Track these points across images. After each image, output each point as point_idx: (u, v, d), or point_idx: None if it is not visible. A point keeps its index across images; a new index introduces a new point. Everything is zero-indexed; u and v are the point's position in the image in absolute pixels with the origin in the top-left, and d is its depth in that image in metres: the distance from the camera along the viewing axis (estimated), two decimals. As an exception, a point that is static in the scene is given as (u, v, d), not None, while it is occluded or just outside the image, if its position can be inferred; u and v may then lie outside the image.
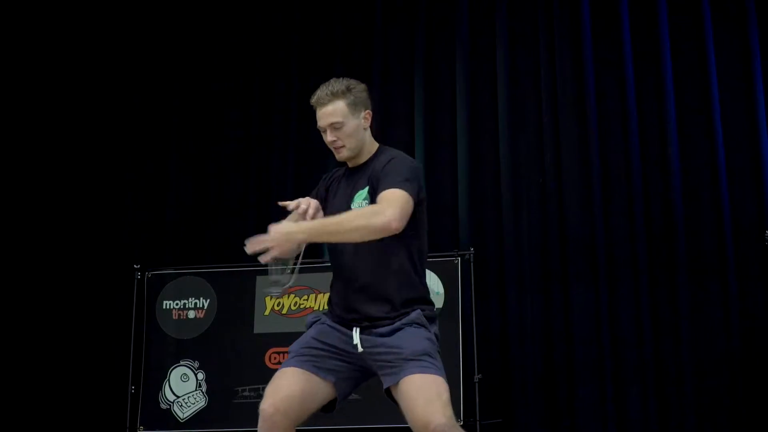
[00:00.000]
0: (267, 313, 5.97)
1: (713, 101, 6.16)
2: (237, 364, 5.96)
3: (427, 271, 5.73)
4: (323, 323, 3.12)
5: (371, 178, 3.09)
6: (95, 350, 6.54)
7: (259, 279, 6.04)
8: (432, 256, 5.88)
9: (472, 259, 5.92)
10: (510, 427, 6.02)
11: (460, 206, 6.41)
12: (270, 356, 5.88)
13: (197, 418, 5.96)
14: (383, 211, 2.89)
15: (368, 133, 3.19)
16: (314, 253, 6.46)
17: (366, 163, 3.17)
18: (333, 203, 3.18)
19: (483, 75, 6.59)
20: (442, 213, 6.39)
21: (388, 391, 2.99)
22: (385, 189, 2.95)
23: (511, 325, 6.21)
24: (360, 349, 3.00)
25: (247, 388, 5.88)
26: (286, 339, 5.42)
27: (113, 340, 6.44)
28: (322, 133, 3.16)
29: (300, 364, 3.01)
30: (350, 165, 3.23)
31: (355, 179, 3.17)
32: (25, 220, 6.75)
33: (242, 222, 6.66)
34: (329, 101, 3.12)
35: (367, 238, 2.93)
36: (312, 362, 3.02)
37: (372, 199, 3.04)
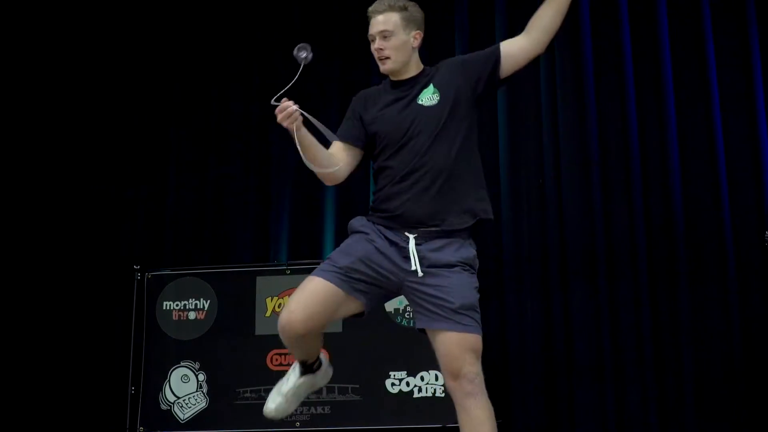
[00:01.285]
0: (268, 314, 5.95)
1: (713, 104, 6.15)
2: (238, 365, 5.95)
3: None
4: (371, 242, 3.10)
5: (432, 79, 3.18)
6: (95, 351, 6.53)
7: (260, 279, 6.03)
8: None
9: (471, 261, 5.89)
10: (510, 428, 6.00)
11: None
12: (272, 358, 5.86)
13: (198, 420, 5.94)
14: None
15: (416, 53, 3.27)
16: (314, 254, 6.48)
17: (415, 77, 3.24)
18: (382, 109, 3.20)
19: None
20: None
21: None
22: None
23: (510, 326, 6.20)
24: (420, 273, 3.04)
25: (249, 389, 5.87)
26: (286, 340, 5.42)
27: (113, 341, 6.43)
28: (371, 42, 3.24)
29: (334, 279, 3.04)
30: (393, 78, 3.27)
31: (409, 86, 3.21)
32: (25, 220, 6.75)
33: (242, 223, 6.65)
34: (383, 11, 3.23)
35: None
36: (349, 282, 3.05)
37: (442, 93, 3.16)
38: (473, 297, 3.12)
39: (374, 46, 3.22)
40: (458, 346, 3.01)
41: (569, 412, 6.02)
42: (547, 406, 6.07)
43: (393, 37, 3.20)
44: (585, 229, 6.19)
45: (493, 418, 3.05)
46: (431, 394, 5.66)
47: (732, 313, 5.91)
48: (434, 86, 3.18)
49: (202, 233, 6.76)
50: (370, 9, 3.24)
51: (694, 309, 5.98)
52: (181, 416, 5.97)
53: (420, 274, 3.05)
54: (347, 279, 3.05)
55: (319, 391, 5.72)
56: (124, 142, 6.99)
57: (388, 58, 3.21)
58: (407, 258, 3.08)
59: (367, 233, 3.13)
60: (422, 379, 5.70)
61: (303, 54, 3.13)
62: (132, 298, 6.16)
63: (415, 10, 3.27)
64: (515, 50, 3.25)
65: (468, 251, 3.18)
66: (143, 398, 6.00)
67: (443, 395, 5.59)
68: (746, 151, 6.11)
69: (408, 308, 5.80)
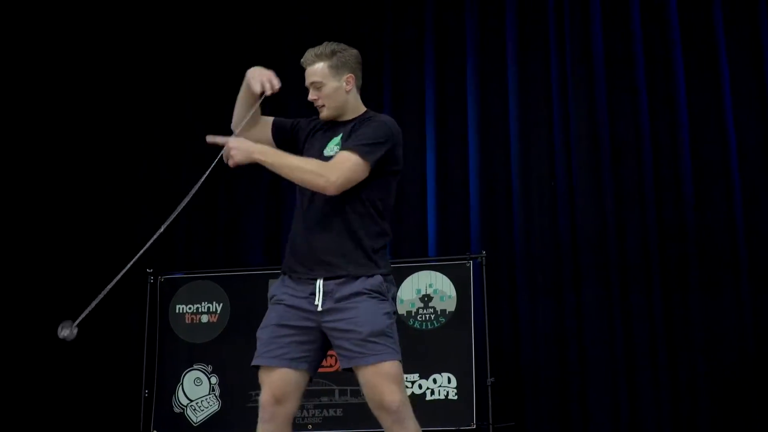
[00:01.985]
0: (280, 317, 5.93)
1: (726, 109, 6.13)
2: (250, 368, 5.89)
3: (439, 274, 5.79)
4: (280, 302, 3.18)
5: (347, 131, 3.24)
6: (109, 354, 6.54)
7: (272, 282, 6.00)
8: (444, 260, 5.95)
9: (484, 263, 5.88)
10: (523, 430, 5.99)
11: (472, 210, 6.40)
12: (283, 360, 5.84)
13: (210, 422, 5.94)
14: (328, 174, 3.06)
15: (353, 95, 3.31)
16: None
17: (349, 121, 3.30)
18: (309, 144, 3.32)
19: (494, 78, 6.58)
20: (454, 217, 6.37)
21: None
22: (345, 148, 3.12)
23: (523, 328, 6.19)
24: (320, 308, 3.10)
25: (260, 392, 5.84)
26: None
27: (127, 344, 6.43)
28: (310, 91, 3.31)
29: (271, 361, 3.13)
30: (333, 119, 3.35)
31: (335, 128, 3.30)
32: (40, 225, 6.77)
33: (254, 226, 6.65)
34: (313, 62, 3.29)
35: (308, 185, 3.15)
36: (280, 356, 3.12)
37: (342, 144, 3.20)
38: (383, 323, 3.09)
39: (309, 97, 3.32)
40: (375, 376, 3.04)
41: (582, 415, 6.01)
42: (560, 409, 6.06)
43: (324, 87, 3.26)
44: (597, 233, 6.19)
45: None
46: (444, 397, 5.64)
47: (745, 317, 5.90)
48: (342, 137, 3.24)
49: (215, 237, 6.77)
50: (302, 60, 3.32)
51: (707, 312, 5.96)
52: (194, 419, 5.96)
53: (320, 308, 3.10)
54: (280, 353, 3.12)
55: (331, 394, 5.72)
56: (137, 148, 7.00)
57: (323, 106, 3.29)
58: (314, 294, 3.14)
59: (275, 294, 3.23)
60: (435, 381, 5.68)
61: (65, 333, 3.12)
62: (145, 302, 6.16)
63: (345, 54, 3.28)
64: None
65: (374, 279, 3.14)
66: (156, 401, 6.01)
67: (456, 398, 5.58)
68: (759, 156, 6.09)
69: (420, 310, 5.79)
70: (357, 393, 5.71)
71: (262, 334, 3.19)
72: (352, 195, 3.14)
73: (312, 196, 3.19)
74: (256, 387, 5.76)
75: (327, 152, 3.22)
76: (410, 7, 6.81)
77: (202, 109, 7.00)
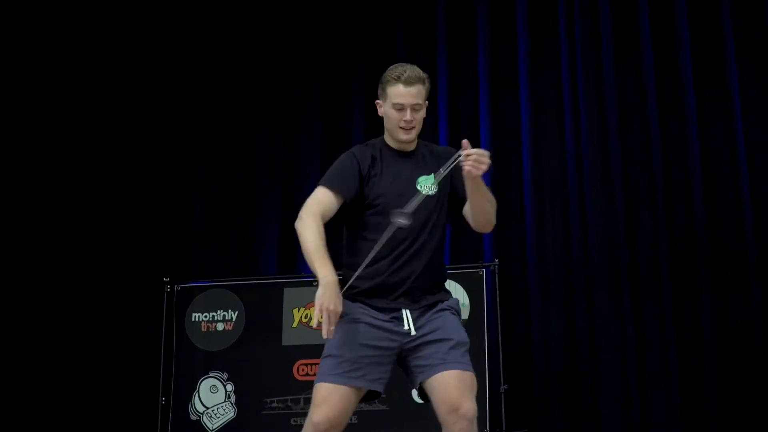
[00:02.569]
0: (295, 325, 5.96)
1: (735, 116, 6.11)
2: (265, 375, 5.95)
3: (453, 283, 5.80)
4: (359, 321, 3.11)
5: (436, 164, 3.17)
6: (126, 362, 6.56)
7: (287, 291, 6.03)
8: (457, 268, 5.96)
9: (496, 271, 5.89)
10: (535, 437, 5.99)
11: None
12: (298, 368, 5.86)
13: (226, 429, 5.95)
14: None
15: None
16: (339, 265, 6.47)
17: (417, 149, 3.30)
18: (383, 178, 3.21)
19: (505, 89, 6.58)
20: (467, 225, 6.35)
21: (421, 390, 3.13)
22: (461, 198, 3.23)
23: (535, 335, 6.18)
24: (413, 332, 3.08)
25: (276, 399, 5.87)
26: (314, 351, 5.42)
27: (144, 352, 6.46)
28: (398, 110, 3.20)
29: (351, 381, 3.04)
30: (397, 147, 3.28)
31: (413, 161, 3.26)
32: (59, 236, 6.79)
33: (269, 235, 6.66)
34: (416, 82, 3.20)
35: (488, 224, 3.33)
36: (365, 377, 3.06)
37: (439, 185, 3.18)
38: (466, 336, 3.16)
39: (405, 116, 3.19)
40: (458, 382, 3.02)
41: (594, 421, 5.99)
42: (573, 415, 6.04)
43: (421, 110, 3.23)
44: (608, 240, 6.17)
45: None
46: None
47: (755, 324, 5.87)
48: (435, 176, 3.19)
49: (230, 246, 6.79)
50: (403, 76, 3.18)
51: (717, 319, 5.94)
52: (210, 426, 5.97)
53: (413, 333, 3.09)
54: (360, 373, 3.05)
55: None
56: (153, 158, 7.03)
57: (413, 128, 3.22)
58: (398, 319, 3.12)
59: (349, 314, 3.11)
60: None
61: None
62: (162, 310, 6.19)
63: (429, 82, 3.29)
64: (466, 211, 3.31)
65: (452, 300, 3.25)
66: (173, 408, 6.02)
67: (469, 405, 5.56)
68: (768, 162, 6.08)
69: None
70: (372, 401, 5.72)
71: (345, 351, 3.06)
72: (442, 232, 3.24)
73: (417, 231, 3.15)
74: (271, 394, 5.90)
75: (424, 191, 3.17)
76: (423, 18, 6.82)
77: (214, 122, 7.03)
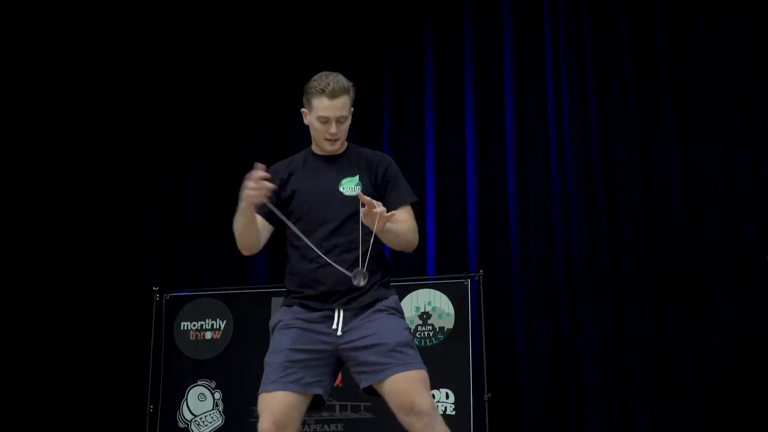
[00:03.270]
0: (282, 333, 5.96)
1: (713, 126, 6.18)
2: (253, 384, 5.88)
3: (438, 292, 5.83)
4: (291, 326, 3.11)
5: (362, 169, 3.20)
6: (115, 370, 6.57)
7: (275, 300, 6.05)
8: (442, 278, 5.99)
9: (481, 281, 5.93)
10: (519, 445, 6.00)
11: (469, 230, 6.43)
12: (285, 376, 5.86)
13: (214, 437, 5.97)
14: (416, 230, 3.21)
15: None
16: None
17: (343, 154, 3.26)
18: (306, 185, 3.21)
19: (491, 103, 6.63)
20: (452, 237, 6.40)
21: (368, 388, 3.09)
22: (400, 204, 3.19)
23: (519, 345, 6.21)
24: (339, 332, 3.06)
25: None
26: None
27: (133, 360, 6.46)
28: (323, 123, 3.18)
29: (286, 386, 3.04)
30: (323, 153, 3.28)
31: (336, 166, 3.23)
32: (50, 245, 6.80)
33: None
34: (341, 94, 3.15)
35: (406, 249, 3.21)
36: (297, 381, 3.05)
37: (363, 186, 3.16)
38: (406, 336, 3.10)
39: (330, 129, 3.16)
40: (405, 382, 2.99)
41: (577, 429, 6.01)
42: (556, 424, 6.07)
43: (346, 122, 3.20)
44: (591, 252, 6.22)
45: None
46: (442, 412, 5.65)
47: (734, 334, 5.92)
48: (360, 177, 3.20)
49: (219, 256, 6.80)
50: (328, 89, 3.13)
51: (697, 329, 5.99)
52: (198, 434, 5.98)
53: (339, 333, 3.06)
54: (293, 378, 3.03)
55: (332, 409, 5.73)
56: (143, 169, 7.04)
57: (337, 140, 3.21)
58: (330, 318, 3.09)
59: (281, 320, 3.15)
60: (433, 396, 5.65)
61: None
62: (151, 319, 6.19)
63: (353, 89, 3.24)
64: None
65: (390, 299, 3.17)
66: (161, 416, 6.03)
67: (454, 413, 5.60)
68: (747, 174, 6.13)
69: (419, 327, 5.82)
70: (357, 408, 5.74)
71: (274, 359, 3.08)
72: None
73: (329, 230, 3.13)
74: (259, 402, 5.86)
75: (347, 192, 3.17)
76: (411, 32, 6.86)
77: (204, 134, 7.05)
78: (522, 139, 6.51)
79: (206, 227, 6.88)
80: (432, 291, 5.89)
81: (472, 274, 5.96)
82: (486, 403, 5.65)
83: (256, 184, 3.00)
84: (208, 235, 6.86)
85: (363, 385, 3.08)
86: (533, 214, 6.39)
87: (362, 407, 5.73)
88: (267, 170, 3.12)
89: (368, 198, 2.92)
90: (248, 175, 3.04)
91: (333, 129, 3.17)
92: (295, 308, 3.15)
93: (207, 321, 6.15)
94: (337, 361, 3.12)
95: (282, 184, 3.24)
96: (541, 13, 6.61)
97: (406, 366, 3.01)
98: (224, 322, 6.13)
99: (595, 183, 6.29)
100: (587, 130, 6.38)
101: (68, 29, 7.03)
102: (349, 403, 5.76)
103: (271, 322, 3.23)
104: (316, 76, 3.22)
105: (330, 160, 3.27)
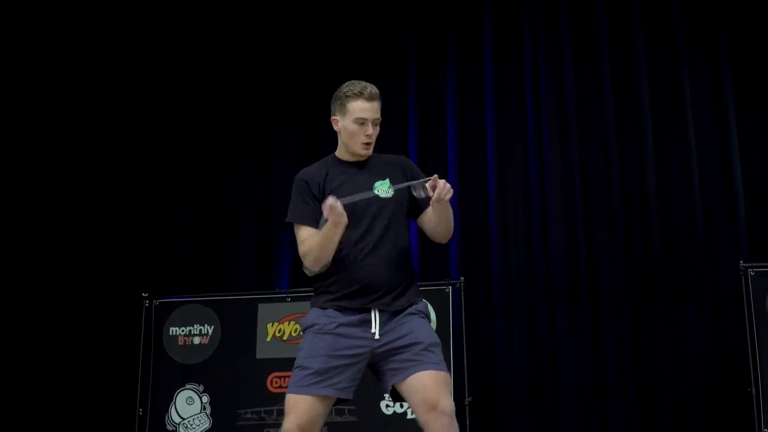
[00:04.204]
0: (269, 339, 6.00)
1: (689, 138, 6.25)
2: (240, 387, 5.98)
3: (420, 299, 5.83)
4: (327, 332, 3.11)
5: (389, 171, 3.25)
6: (105, 374, 6.57)
7: (261, 306, 6.07)
8: (424, 285, 5.98)
9: (462, 288, 5.96)
10: (499, 447, 6.04)
11: (451, 238, 6.42)
12: (272, 380, 5.89)
13: (202, 440, 5.99)
14: None
15: None
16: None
17: (368, 159, 3.29)
18: (342, 189, 3.19)
19: (472, 115, 6.68)
20: (434, 244, 6.38)
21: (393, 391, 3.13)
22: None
23: (499, 350, 6.25)
24: (378, 336, 3.08)
25: (249, 410, 5.89)
26: (287, 364, 5.40)
27: (123, 365, 6.46)
28: (360, 125, 3.21)
29: (319, 391, 3.05)
30: (350, 159, 3.29)
31: (366, 170, 3.26)
32: (41, 251, 6.81)
33: (245, 253, 6.69)
34: (376, 98, 3.23)
35: (449, 232, 3.32)
36: (333, 386, 3.07)
37: (397, 193, 3.21)
38: (437, 338, 3.17)
39: (368, 131, 3.22)
40: (433, 380, 3.02)
41: (555, 429, 6.07)
42: (534, 427, 6.11)
43: (378, 125, 3.26)
44: (569, 261, 6.28)
45: None
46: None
47: (708, 339, 6.00)
48: (390, 180, 3.25)
49: (207, 264, 6.81)
50: (366, 92, 3.20)
51: (672, 334, 6.07)
52: (186, 436, 6.00)
53: (377, 336, 3.09)
54: (329, 383, 3.06)
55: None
56: (133, 177, 7.05)
57: (371, 143, 3.26)
58: (367, 321, 3.12)
59: (316, 323, 3.15)
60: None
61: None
62: (141, 324, 6.21)
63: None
64: (424, 220, 3.33)
65: (420, 303, 3.23)
66: (150, 419, 6.04)
67: (435, 416, 5.59)
68: (721, 185, 6.23)
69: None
70: (341, 412, 5.77)
71: (311, 363, 3.07)
72: (405, 236, 3.24)
73: (377, 230, 3.17)
74: (246, 406, 5.92)
75: (382, 194, 3.21)
76: (393, 50, 6.91)
77: (194, 141, 7.06)
78: (502, 149, 6.56)
79: (195, 235, 6.90)
80: (414, 297, 5.92)
81: (453, 281, 6.01)
82: (467, 407, 5.69)
83: (339, 211, 3.03)
84: (197, 243, 6.87)
85: (391, 383, 3.10)
86: (513, 224, 6.44)
87: (346, 411, 5.76)
88: (302, 179, 3.25)
89: (438, 180, 3.08)
90: (328, 205, 3.03)
91: (370, 130, 3.21)
92: (330, 311, 3.14)
93: (195, 326, 6.17)
94: (368, 364, 3.15)
95: (320, 188, 3.23)
96: (521, 22, 6.68)
97: (437, 366, 3.05)
98: (212, 327, 6.15)
99: (574, 192, 6.35)
100: (566, 139, 6.44)
101: (55, 45, 7.07)
102: (334, 408, 5.76)
103: (305, 322, 3.21)
104: (348, 83, 3.27)
105: (359, 165, 3.29)
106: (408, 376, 3.04)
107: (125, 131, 7.10)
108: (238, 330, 6.08)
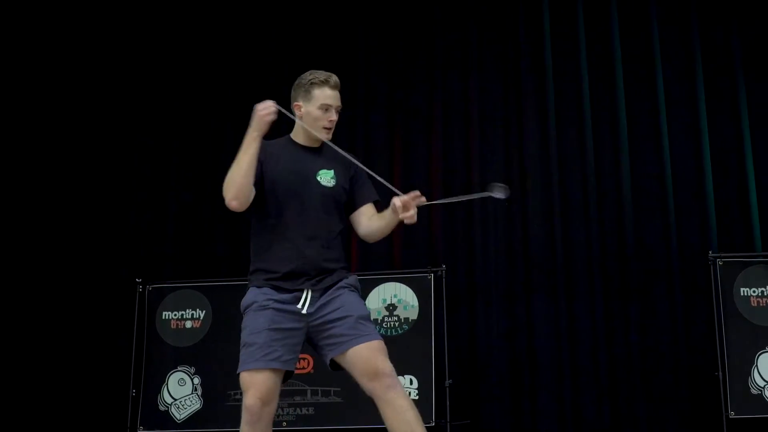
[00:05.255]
0: (258, 323, 6.03)
1: (662, 136, 6.34)
2: (230, 370, 5.98)
3: (403, 285, 5.91)
4: (267, 307, 3.18)
5: (337, 164, 3.32)
6: (100, 356, 6.59)
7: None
8: (407, 272, 6.08)
9: (444, 275, 6.01)
10: (478, 427, 6.13)
11: (434, 226, 6.53)
12: (260, 362, 5.92)
13: (193, 419, 6.05)
14: None
15: None
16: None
17: (320, 148, 3.36)
18: (285, 167, 3.28)
19: (457, 108, 6.74)
20: (418, 233, 6.48)
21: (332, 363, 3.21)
22: (371, 201, 3.38)
23: (479, 334, 6.33)
24: (304, 311, 3.16)
25: (239, 392, 5.90)
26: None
27: (117, 348, 6.47)
28: (324, 111, 3.29)
29: (268, 364, 3.12)
30: (301, 142, 3.37)
31: (315, 157, 3.33)
32: (35, 238, 6.82)
33: (236, 240, 6.71)
34: (338, 87, 3.32)
35: (382, 236, 3.39)
36: (278, 359, 3.13)
37: (339, 179, 3.30)
38: (366, 310, 3.26)
39: (331, 117, 3.31)
40: (369, 351, 3.11)
41: (531, 413, 6.17)
42: (512, 408, 6.21)
43: (339, 112, 3.35)
44: (546, 248, 6.36)
45: (413, 404, 3.16)
46: (406, 397, 5.74)
47: (678, 324, 6.12)
48: (335, 172, 3.32)
49: (200, 250, 6.83)
50: (331, 80, 3.29)
51: (644, 320, 6.17)
52: (178, 416, 6.05)
53: (304, 311, 3.17)
54: (273, 357, 3.12)
55: (304, 394, 5.83)
56: (127, 164, 7.04)
57: (331, 129, 3.33)
58: (299, 299, 3.19)
59: (256, 301, 3.21)
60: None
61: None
62: (134, 309, 6.24)
63: None
64: (359, 219, 3.39)
65: (350, 278, 3.30)
66: (143, 400, 6.09)
67: (417, 397, 5.72)
68: (691, 178, 6.32)
69: (386, 318, 5.91)
70: (327, 393, 5.84)
71: (257, 338, 3.14)
72: (339, 222, 3.30)
73: (314, 216, 3.24)
74: (235, 387, 5.91)
75: (324, 182, 3.29)
76: (383, 52, 6.94)
77: (188, 128, 7.06)
78: (484, 140, 6.63)
79: (188, 222, 6.91)
80: (398, 284, 6.00)
81: (435, 269, 6.06)
82: (447, 389, 5.76)
83: (266, 106, 3.15)
84: (189, 230, 6.88)
85: (330, 356, 3.19)
86: (493, 213, 6.51)
87: (332, 392, 5.84)
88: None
89: (408, 196, 3.23)
90: (257, 105, 3.15)
91: (334, 116, 3.30)
92: (266, 289, 3.21)
93: (187, 311, 6.21)
94: (305, 338, 3.22)
95: (266, 156, 3.30)
96: (517, 21, 6.75)
97: (368, 337, 3.13)
98: (203, 312, 6.20)
99: (552, 184, 6.43)
100: (545, 132, 6.51)
101: (51, 42, 7.04)
102: (320, 388, 5.85)
103: (244, 302, 3.27)
104: (311, 71, 3.34)
105: (310, 150, 3.35)
106: (345, 351, 3.13)
107: (119, 117, 7.06)
108: (229, 314, 6.08)
